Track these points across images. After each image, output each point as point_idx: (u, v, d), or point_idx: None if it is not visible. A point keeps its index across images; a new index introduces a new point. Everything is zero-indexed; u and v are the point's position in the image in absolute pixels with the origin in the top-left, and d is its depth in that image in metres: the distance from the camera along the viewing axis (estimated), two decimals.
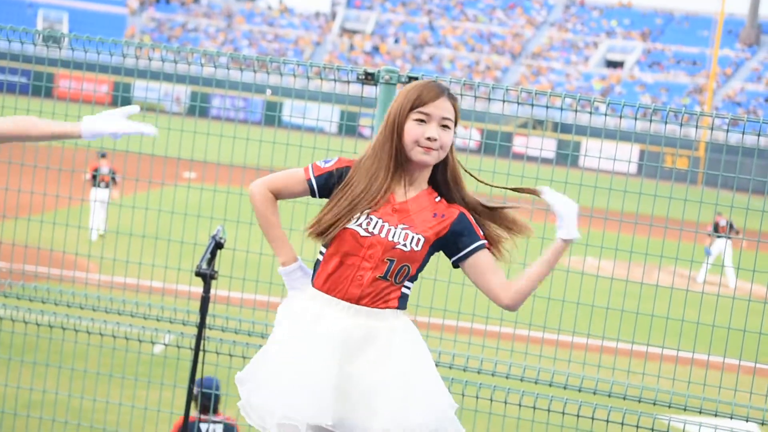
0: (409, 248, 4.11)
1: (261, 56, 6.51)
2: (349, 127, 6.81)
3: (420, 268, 4.21)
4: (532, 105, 6.22)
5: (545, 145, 6.64)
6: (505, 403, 6.28)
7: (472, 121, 6.54)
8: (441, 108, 4.13)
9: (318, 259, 4.25)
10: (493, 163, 6.35)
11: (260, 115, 7.84)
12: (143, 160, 7.22)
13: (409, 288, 4.21)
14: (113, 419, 8.85)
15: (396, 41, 76.52)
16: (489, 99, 6.25)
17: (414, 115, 4.13)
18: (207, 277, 5.80)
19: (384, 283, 4.12)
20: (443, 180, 4.27)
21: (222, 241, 5.85)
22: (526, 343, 6.58)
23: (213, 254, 5.82)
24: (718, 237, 19.65)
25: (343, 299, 4.12)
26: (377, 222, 4.12)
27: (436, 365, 4.36)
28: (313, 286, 4.21)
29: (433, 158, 4.14)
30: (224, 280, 6.55)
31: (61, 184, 7.68)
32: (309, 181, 4.27)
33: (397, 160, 4.17)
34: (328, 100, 6.87)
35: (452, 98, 4.19)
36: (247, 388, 4.19)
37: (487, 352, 6.54)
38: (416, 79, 6.00)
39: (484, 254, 4.22)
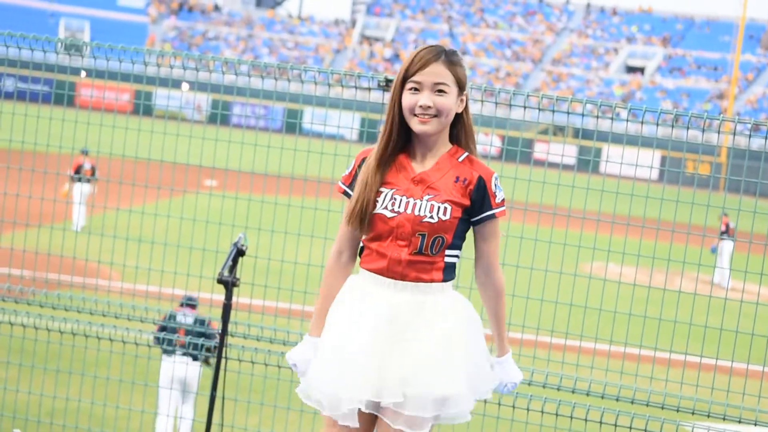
0: (436, 219, 4.09)
1: (281, 64, 6.52)
2: (369, 134, 6.80)
3: (458, 235, 4.16)
4: (553, 111, 6.21)
5: (566, 151, 6.63)
6: (528, 410, 6.26)
7: (492, 128, 6.53)
8: (432, 74, 4.09)
9: (362, 245, 4.27)
10: (514, 169, 6.34)
11: (281, 123, 7.85)
12: (165, 168, 7.24)
13: (453, 257, 4.18)
14: (136, 426, 8.88)
15: (416, 48, 76.53)
16: (510, 105, 6.24)
17: (408, 85, 4.12)
18: (229, 284, 5.82)
19: (422, 257, 4.11)
20: (457, 140, 4.25)
21: (244, 248, 5.86)
22: (548, 350, 6.56)
23: (235, 262, 5.83)
24: (725, 239, 19.77)
25: (388, 277, 4.12)
26: (401, 199, 4.11)
27: None
28: (362, 266, 4.24)
29: (432, 126, 4.11)
30: (246, 287, 6.56)
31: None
32: (345, 194, 4.27)
33: (402, 130, 4.16)
34: (349, 107, 6.88)
35: (450, 62, 4.14)
36: (306, 376, 4.21)
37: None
38: None
39: (487, 225, 4.20)
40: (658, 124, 6.07)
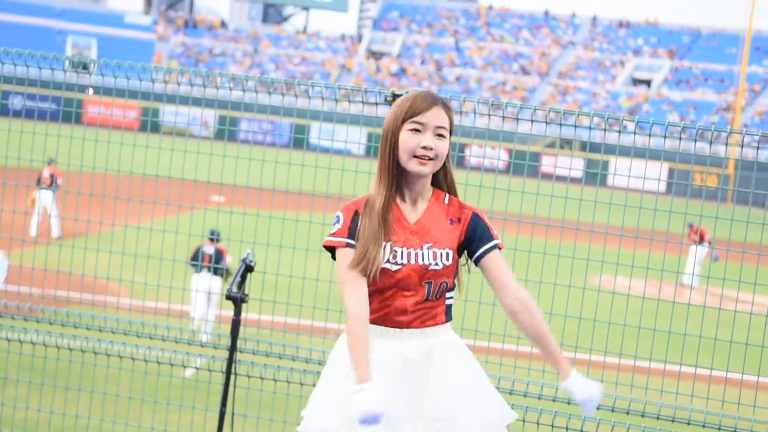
0: (441, 266, 4.11)
1: (288, 79, 6.53)
2: (376, 149, 6.81)
3: (455, 276, 4.21)
4: (560, 124, 6.21)
5: (574, 164, 6.63)
6: (537, 423, 6.24)
7: (500, 142, 6.53)
8: (435, 117, 4.10)
9: None
10: (521, 183, 6.34)
11: (288, 138, 7.85)
12: (173, 184, 7.25)
13: (450, 298, 4.22)
14: None
15: (422, 62, 76.65)
16: (517, 119, 6.24)
17: (408, 126, 4.10)
18: (238, 300, 5.81)
19: (426, 303, 4.13)
20: (440, 182, 4.26)
21: (252, 264, 5.86)
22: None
23: (243, 277, 5.83)
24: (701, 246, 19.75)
25: (393, 327, 4.12)
26: (401, 251, 4.10)
27: None
28: None
29: (429, 168, 4.11)
30: (255, 303, 6.57)
31: (92, 210, 7.71)
32: (349, 244, 4.12)
33: (395, 173, 4.14)
34: (356, 122, 6.88)
35: (447, 108, 4.16)
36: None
37: (533, 375, 6.51)
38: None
39: (492, 257, 4.17)
40: (665, 137, 6.06)
